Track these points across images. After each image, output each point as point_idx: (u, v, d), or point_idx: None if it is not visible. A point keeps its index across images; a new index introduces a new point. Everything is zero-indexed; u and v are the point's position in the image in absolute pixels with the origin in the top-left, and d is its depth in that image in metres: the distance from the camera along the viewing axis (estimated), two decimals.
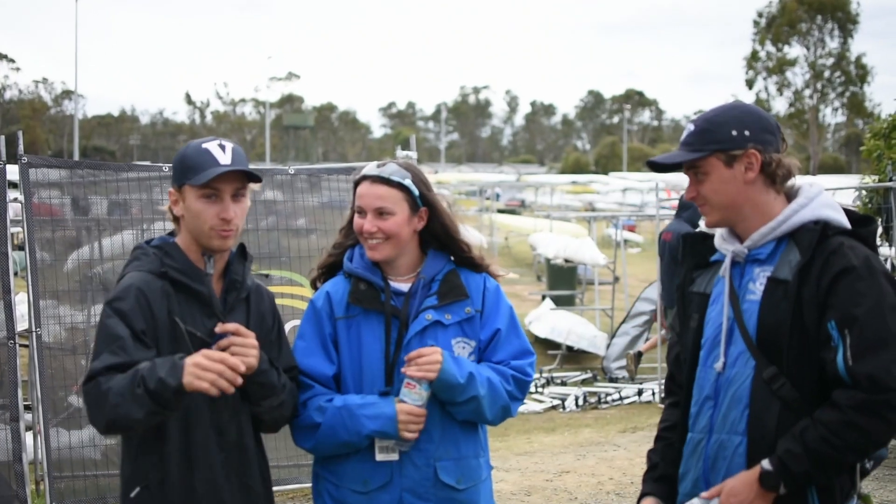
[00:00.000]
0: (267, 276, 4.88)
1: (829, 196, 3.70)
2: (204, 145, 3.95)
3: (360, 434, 4.12)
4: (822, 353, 3.49)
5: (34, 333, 7.98)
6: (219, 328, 3.88)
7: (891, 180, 10.90)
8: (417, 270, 4.35)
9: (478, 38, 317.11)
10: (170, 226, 4.16)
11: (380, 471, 4.19)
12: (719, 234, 3.83)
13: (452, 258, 4.41)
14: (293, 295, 9.04)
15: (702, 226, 14.00)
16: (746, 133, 3.62)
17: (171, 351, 3.78)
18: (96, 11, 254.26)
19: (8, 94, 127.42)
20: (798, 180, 3.74)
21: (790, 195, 3.71)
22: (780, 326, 3.54)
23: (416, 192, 4.28)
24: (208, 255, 3.95)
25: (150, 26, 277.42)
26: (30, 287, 8.09)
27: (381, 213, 4.23)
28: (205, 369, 3.57)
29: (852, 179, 15.62)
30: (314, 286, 4.48)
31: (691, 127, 3.72)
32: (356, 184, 4.33)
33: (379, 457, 4.18)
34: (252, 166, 4.15)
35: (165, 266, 3.90)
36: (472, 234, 4.55)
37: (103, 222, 8.79)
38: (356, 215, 4.30)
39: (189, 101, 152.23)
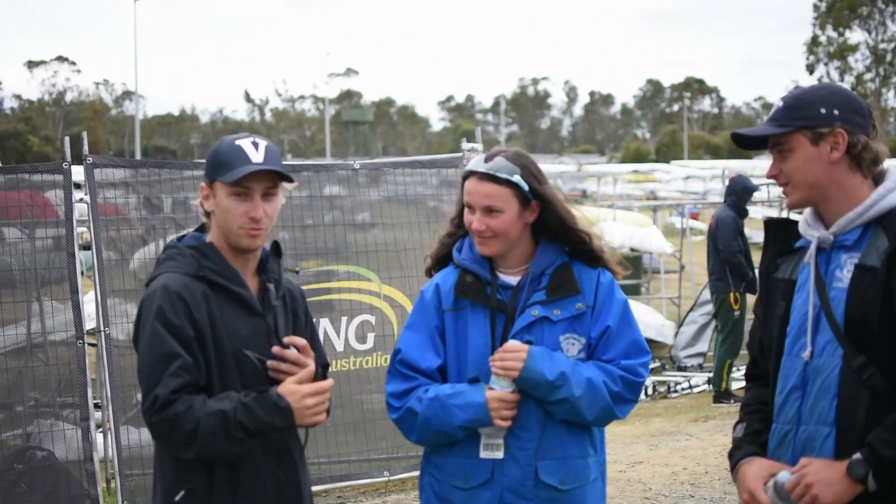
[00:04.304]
0: (297, 272, 4.81)
1: None
2: (237, 142, 3.90)
3: (451, 425, 4.04)
4: None
5: (102, 332, 8.02)
6: (276, 350, 3.87)
7: None
8: (529, 263, 4.23)
9: (535, 29, 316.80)
10: None
11: (482, 468, 4.10)
12: (804, 219, 3.71)
13: (567, 250, 4.24)
14: (360, 290, 9.02)
15: (751, 211, 13.66)
16: (835, 112, 3.51)
17: (215, 353, 3.81)
18: (155, 12, 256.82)
19: (69, 97, 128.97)
20: (886, 164, 3.62)
21: (878, 180, 3.59)
22: (869, 315, 3.42)
23: (526, 188, 4.13)
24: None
25: (208, 25, 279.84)
26: (97, 286, 8.14)
27: (489, 210, 4.09)
28: (312, 408, 3.77)
29: None
30: (428, 275, 4.39)
31: (780, 103, 3.62)
32: (464, 178, 4.20)
33: (483, 454, 4.10)
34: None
35: (203, 269, 3.86)
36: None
37: (167, 220, 8.84)
38: (466, 210, 4.17)
39: (248, 99, 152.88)
